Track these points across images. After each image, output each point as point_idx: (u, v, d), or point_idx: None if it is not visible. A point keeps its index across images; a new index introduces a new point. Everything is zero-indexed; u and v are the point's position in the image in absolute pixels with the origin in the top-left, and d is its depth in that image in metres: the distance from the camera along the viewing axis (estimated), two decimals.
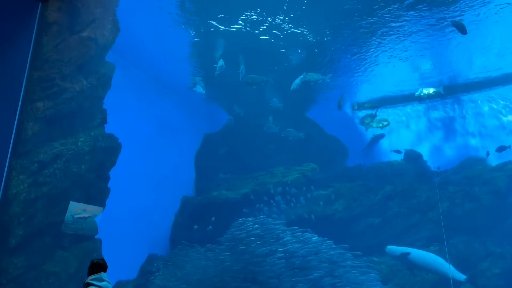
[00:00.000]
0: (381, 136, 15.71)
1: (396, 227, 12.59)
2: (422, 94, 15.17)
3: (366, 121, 15.39)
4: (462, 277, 10.74)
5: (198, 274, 10.49)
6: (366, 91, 16.46)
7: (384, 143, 16.07)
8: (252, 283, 9.70)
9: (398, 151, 14.77)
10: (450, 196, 12.97)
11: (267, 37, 12.82)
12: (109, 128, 10.68)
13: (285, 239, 10.33)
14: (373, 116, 15.11)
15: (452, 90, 15.83)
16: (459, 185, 13.27)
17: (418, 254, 11.16)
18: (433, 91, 15.20)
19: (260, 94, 14.44)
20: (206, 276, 10.23)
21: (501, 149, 14.07)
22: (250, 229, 10.58)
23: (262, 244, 10.24)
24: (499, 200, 12.76)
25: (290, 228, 10.77)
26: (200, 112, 16.45)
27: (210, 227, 12.53)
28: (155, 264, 12.09)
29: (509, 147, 14.00)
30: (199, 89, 15.00)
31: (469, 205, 12.89)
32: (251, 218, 11.07)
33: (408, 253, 10.99)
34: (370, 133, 16.07)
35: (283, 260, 9.92)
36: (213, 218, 12.70)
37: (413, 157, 14.45)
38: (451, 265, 10.86)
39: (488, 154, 14.18)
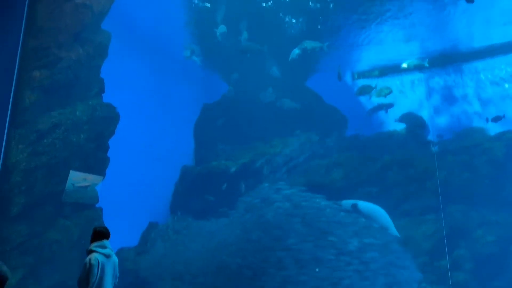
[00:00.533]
0: (390, 105, 15.52)
1: (394, 196, 12.70)
2: (408, 66, 15.07)
3: (363, 91, 15.24)
4: (396, 234, 10.89)
5: (208, 242, 10.32)
6: (367, 60, 16.25)
7: (384, 113, 15.97)
8: (274, 251, 9.42)
9: (402, 121, 14.68)
10: (448, 165, 13.03)
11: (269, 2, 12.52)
12: (106, 98, 10.61)
13: (304, 204, 10.02)
14: (371, 88, 14.96)
15: (454, 58, 15.65)
16: (458, 154, 13.32)
17: (364, 205, 11.32)
18: (419, 64, 15.10)
19: (260, 64, 14.27)
20: (219, 245, 10.00)
21: (496, 119, 13.99)
22: (267, 196, 10.22)
23: (281, 210, 9.93)
24: (496, 169, 12.84)
25: (309, 195, 10.42)
26: (199, 81, 16.28)
27: (225, 185, 12.43)
28: (152, 234, 12.22)
29: (503, 116, 13.92)
30: (193, 57, 14.69)
31: (467, 174, 12.97)
32: (266, 184, 10.82)
33: (356, 204, 11.16)
34: (372, 102, 15.92)
35: (302, 225, 9.64)
36: (225, 185, 12.56)
37: (416, 123, 14.39)
38: (388, 217, 10.96)
39: (488, 120, 14.09)
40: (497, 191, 12.53)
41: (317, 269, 9.19)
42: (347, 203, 11.02)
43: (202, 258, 10.02)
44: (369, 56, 15.64)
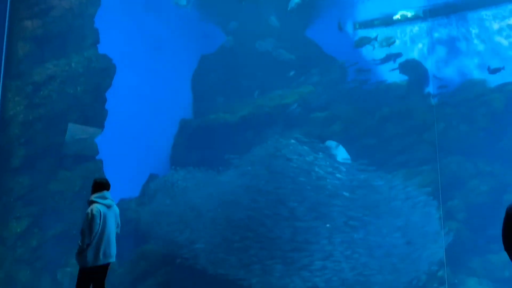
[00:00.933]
0: (398, 55, 15.19)
1: (391, 148, 12.81)
2: (401, 17, 14.65)
3: (362, 43, 14.88)
4: None
5: (214, 195, 10.19)
6: (367, 9, 15.75)
7: (388, 64, 15.69)
8: (286, 203, 9.22)
9: (402, 71, 14.43)
10: (447, 117, 13.03)
11: None
12: (102, 49, 10.40)
13: (316, 159, 9.70)
14: (369, 39, 14.60)
15: (458, 7, 15.17)
16: (456, 106, 13.28)
17: None
18: (412, 15, 14.68)
19: (258, 13, 13.85)
20: (228, 197, 9.80)
21: (495, 70, 13.74)
22: (276, 149, 9.88)
23: (293, 163, 9.60)
24: (495, 121, 12.84)
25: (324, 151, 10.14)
26: (196, 31, 15.86)
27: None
28: (153, 185, 12.39)
29: (503, 68, 13.68)
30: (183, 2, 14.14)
31: (465, 126, 13.00)
32: (275, 136, 10.54)
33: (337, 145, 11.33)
34: (374, 53, 15.60)
35: (316, 179, 9.39)
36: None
37: (417, 73, 14.21)
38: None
39: (489, 69, 13.85)
40: (494, 143, 12.61)
41: (327, 225, 9.10)
42: (330, 143, 11.10)
43: (210, 209, 10.05)
44: (370, 5, 15.16)
